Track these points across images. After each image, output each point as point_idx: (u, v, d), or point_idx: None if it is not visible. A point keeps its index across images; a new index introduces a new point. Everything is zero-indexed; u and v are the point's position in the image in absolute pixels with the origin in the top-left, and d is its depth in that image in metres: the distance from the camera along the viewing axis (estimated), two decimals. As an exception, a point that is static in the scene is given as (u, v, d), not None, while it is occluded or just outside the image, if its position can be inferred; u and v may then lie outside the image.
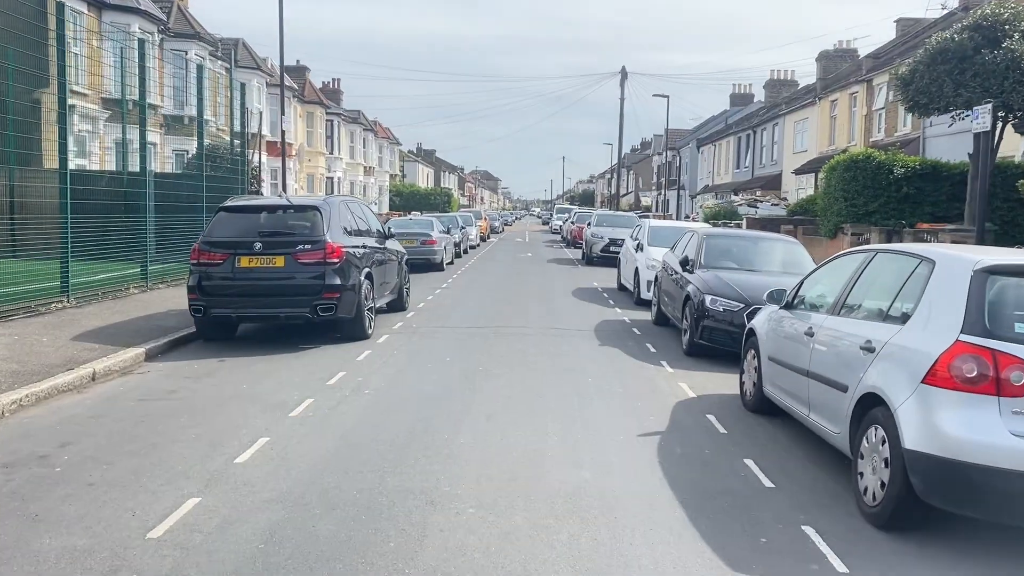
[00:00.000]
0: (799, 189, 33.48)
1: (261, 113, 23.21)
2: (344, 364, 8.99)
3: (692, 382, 8.43)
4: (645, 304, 14.58)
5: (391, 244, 12.87)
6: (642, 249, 15.69)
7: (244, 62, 33.75)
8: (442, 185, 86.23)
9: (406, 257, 13.87)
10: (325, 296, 9.89)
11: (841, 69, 35.15)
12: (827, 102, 32.44)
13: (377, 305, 11.83)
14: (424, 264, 21.44)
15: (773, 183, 37.24)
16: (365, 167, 56.26)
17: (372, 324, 10.95)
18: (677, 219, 44.20)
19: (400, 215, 38.52)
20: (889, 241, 15.04)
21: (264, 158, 31.34)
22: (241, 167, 19.76)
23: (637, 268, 15.44)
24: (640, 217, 32.63)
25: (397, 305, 13.34)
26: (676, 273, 11.38)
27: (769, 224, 23.73)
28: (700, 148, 54.73)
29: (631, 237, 17.60)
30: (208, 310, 9.90)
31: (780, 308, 6.85)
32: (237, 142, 19.64)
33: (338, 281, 9.98)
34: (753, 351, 7.32)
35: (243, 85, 19.99)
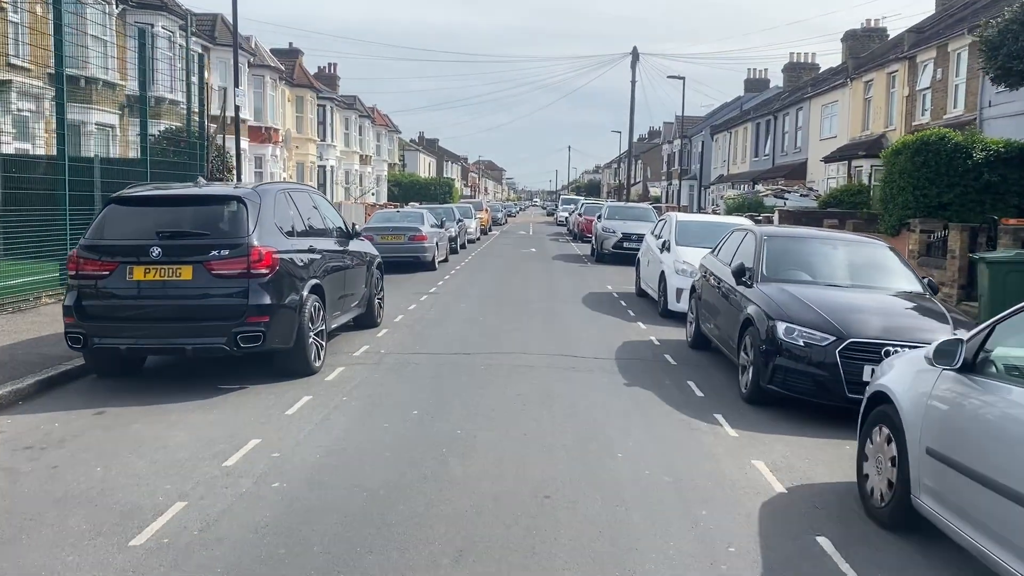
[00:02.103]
0: (828, 178, 30.64)
1: (225, 90, 20.33)
2: (264, 423, 6.27)
3: (771, 458, 5.66)
4: (674, 317, 11.87)
5: (357, 245, 10.18)
6: (669, 249, 12.95)
7: (223, 39, 30.98)
8: (444, 175, 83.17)
9: (379, 260, 11.15)
10: (249, 320, 7.17)
11: (874, 48, 32.25)
12: (860, 83, 29.48)
13: (335, 325, 9.17)
14: (413, 263, 18.78)
15: (797, 172, 34.39)
16: (361, 155, 53.37)
17: (321, 354, 8.23)
18: (691, 211, 41.39)
19: (396, 206, 35.66)
20: (974, 240, 12.23)
21: (246, 144, 28.57)
22: (200, 151, 17.06)
23: (663, 272, 12.69)
24: (653, 208, 29.75)
25: (366, 320, 10.66)
26: (725, 285, 8.64)
27: (805, 217, 20.94)
28: (714, 136, 51.77)
29: (653, 234, 14.81)
30: (89, 339, 7.19)
31: (947, 369, 4.10)
32: (196, 121, 16.94)
33: (268, 300, 7.26)
34: (887, 430, 4.56)
35: (200, 57, 17.20)
